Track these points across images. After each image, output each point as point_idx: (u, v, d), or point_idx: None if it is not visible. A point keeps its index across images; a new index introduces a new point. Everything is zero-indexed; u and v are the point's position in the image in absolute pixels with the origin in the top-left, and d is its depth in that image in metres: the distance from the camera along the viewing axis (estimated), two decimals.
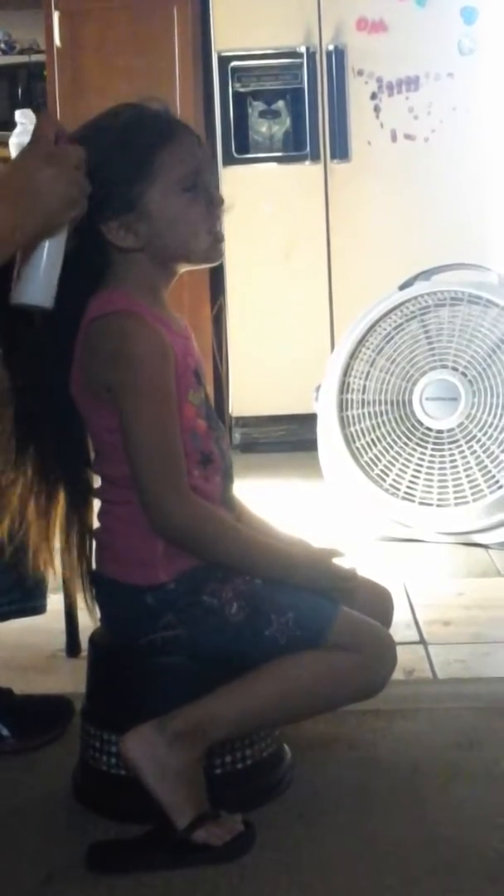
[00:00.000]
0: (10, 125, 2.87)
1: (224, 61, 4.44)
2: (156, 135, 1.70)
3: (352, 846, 1.68)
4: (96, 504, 1.81)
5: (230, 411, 4.56)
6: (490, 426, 3.19)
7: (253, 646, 1.71)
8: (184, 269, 1.78)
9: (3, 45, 4.97)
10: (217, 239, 1.75)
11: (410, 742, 2.00)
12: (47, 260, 1.58)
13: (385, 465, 3.29)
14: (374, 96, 4.41)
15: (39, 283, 1.58)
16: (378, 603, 1.87)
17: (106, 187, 1.65)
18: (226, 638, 1.72)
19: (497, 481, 3.17)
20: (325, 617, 1.71)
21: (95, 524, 1.81)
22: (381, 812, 1.77)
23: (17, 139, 2.73)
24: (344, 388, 3.35)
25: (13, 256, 1.57)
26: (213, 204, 1.73)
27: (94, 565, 1.80)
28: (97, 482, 1.80)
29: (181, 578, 1.72)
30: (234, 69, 4.44)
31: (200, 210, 1.72)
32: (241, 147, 4.48)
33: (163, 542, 1.71)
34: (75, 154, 1.59)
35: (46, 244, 1.57)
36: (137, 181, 1.68)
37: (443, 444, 3.24)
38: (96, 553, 1.80)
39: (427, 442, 3.26)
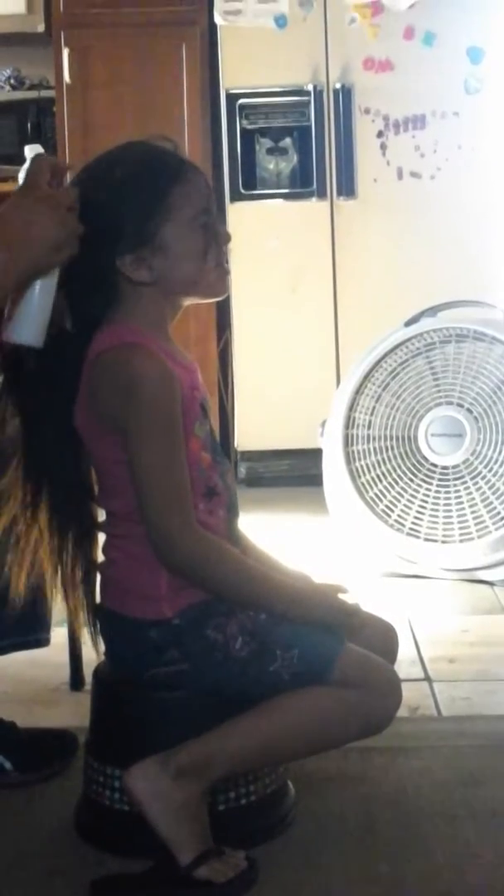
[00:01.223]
0: (19, 160, 2.88)
1: (232, 99, 4.47)
2: (170, 172, 1.74)
3: (355, 883, 1.67)
4: (101, 538, 1.82)
5: (235, 445, 4.56)
6: (495, 462, 3.20)
7: (257, 681, 1.71)
8: (189, 302, 1.80)
9: (12, 81, 5.00)
10: (224, 273, 1.78)
11: (414, 779, 1.99)
12: (38, 301, 1.63)
13: (390, 501, 3.29)
14: (380, 134, 4.43)
15: (30, 323, 1.63)
16: (383, 639, 1.87)
17: (121, 221, 1.69)
18: (230, 673, 1.71)
19: (502, 518, 3.17)
20: (330, 653, 1.71)
21: (100, 558, 1.81)
22: (385, 850, 1.76)
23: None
24: (349, 423, 3.36)
25: (5, 297, 1.60)
26: (220, 239, 1.77)
27: (98, 599, 1.81)
28: (101, 516, 1.81)
29: (186, 613, 1.72)
30: (242, 106, 4.47)
31: (210, 245, 1.75)
32: (249, 183, 4.50)
33: (167, 577, 1.71)
34: (68, 196, 1.63)
35: (38, 285, 1.62)
36: (153, 216, 1.71)
37: (448, 480, 3.24)
38: (101, 587, 1.80)
39: (432, 478, 3.26)
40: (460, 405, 3.25)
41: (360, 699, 1.71)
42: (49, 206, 1.59)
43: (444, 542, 3.22)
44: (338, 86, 4.41)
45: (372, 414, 3.34)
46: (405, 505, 3.27)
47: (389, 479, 3.30)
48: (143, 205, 1.70)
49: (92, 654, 1.87)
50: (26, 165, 2.75)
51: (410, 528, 3.26)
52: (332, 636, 1.73)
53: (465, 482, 3.22)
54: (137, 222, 1.70)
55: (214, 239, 1.76)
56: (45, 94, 4.87)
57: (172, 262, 1.72)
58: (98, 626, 1.81)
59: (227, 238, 1.79)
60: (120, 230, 1.69)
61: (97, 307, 1.71)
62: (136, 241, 1.70)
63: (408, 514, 3.26)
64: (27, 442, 1.75)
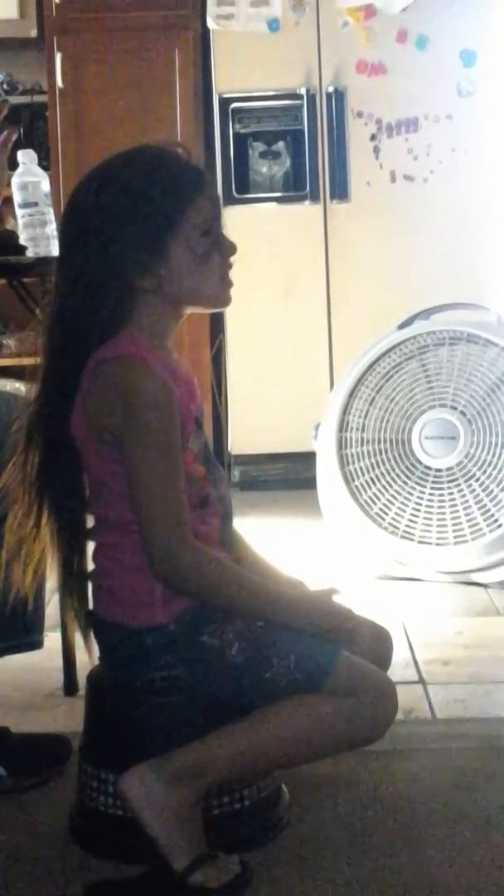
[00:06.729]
0: (12, 165, 2.88)
1: (225, 103, 4.48)
2: (189, 182, 1.72)
3: (349, 888, 1.67)
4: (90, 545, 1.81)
5: (229, 449, 4.56)
6: (489, 465, 3.20)
7: (252, 688, 1.70)
8: (191, 311, 1.79)
9: (5, 86, 5.00)
10: (227, 285, 1.77)
11: (409, 782, 1.99)
12: None
13: (384, 504, 3.29)
14: (373, 137, 4.44)
15: None
16: (377, 643, 1.86)
17: (131, 226, 1.68)
18: (225, 679, 1.71)
19: (496, 520, 3.17)
20: (326, 661, 1.70)
21: (91, 565, 1.81)
22: (379, 853, 1.76)
23: (19, 179, 2.74)
24: (343, 426, 3.36)
25: None
26: (225, 250, 1.76)
27: (91, 606, 1.80)
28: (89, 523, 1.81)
29: (181, 619, 1.71)
30: (235, 111, 4.47)
31: (215, 256, 1.74)
32: (242, 187, 4.51)
33: (161, 584, 1.71)
34: None
35: None
36: (163, 224, 1.69)
37: (442, 482, 3.24)
38: (93, 594, 1.80)
39: (426, 480, 3.26)
40: (454, 408, 3.25)
41: (355, 707, 1.70)
42: None
43: (438, 544, 3.23)
44: (331, 89, 4.41)
45: (366, 417, 3.34)
46: (399, 508, 3.27)
47: (383, 482, 3.30)
48: (157, 212, 1.69)
49: (86, 659, 1.87)
50: (19, 170, 2.75)
51: (404, 531, 3.26)
52: (328, 644, 1.73)
53: (459, 485, 3.22)
54: (147, 229, 1.69)
55: (219, 249, 1.75)
56: (37, 98, 4.88)
57: (177, 269, 1.71)
58: (92, 632, 1.80)
59: (233, 249, 1.78)
60: (129, 235, 1.68)
61: (98, 314, 1.70)
62: (143, 248, 1.69)
63: (402, 516, 3.27)
64: (29, 447, 1.76)
